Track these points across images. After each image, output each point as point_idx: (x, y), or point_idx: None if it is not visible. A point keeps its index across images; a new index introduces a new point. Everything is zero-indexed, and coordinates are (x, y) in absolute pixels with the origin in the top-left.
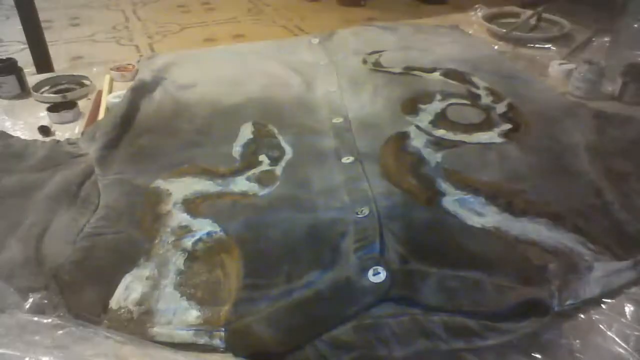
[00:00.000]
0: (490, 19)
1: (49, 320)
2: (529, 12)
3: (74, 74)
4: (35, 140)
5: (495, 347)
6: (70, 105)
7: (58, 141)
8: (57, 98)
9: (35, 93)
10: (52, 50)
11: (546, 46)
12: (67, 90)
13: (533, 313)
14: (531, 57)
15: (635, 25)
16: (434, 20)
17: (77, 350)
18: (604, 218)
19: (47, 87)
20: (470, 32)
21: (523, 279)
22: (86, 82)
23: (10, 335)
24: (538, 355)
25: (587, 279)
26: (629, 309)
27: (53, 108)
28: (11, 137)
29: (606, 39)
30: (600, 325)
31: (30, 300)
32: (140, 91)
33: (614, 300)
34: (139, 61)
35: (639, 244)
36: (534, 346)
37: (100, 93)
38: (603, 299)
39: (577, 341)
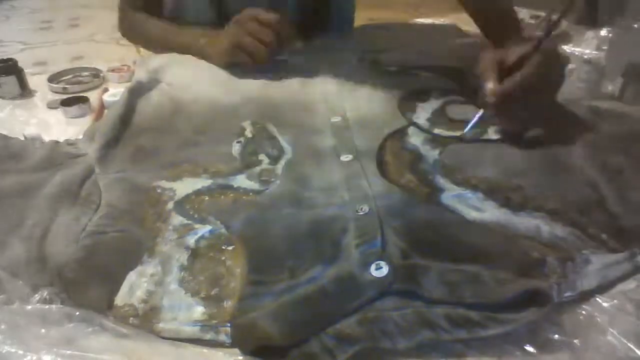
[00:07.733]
0: None
1: (55, 313)
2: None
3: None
4: (34, 141)
5: (494, 343)
6: (84, 99)
7: (57, 142)
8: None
9: (51, 84)
10: (52, 50)
11: None
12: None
13: (533, 303)
14: None
15: (635, 25)
16: (432, 19)
17: (82, 344)
18: (600, 212)
19: (65, 78)
20: (468, 29)
21: (522, 272)
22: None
23: (16, 328)
24: (536, 351)
25: (585, 272)
26: (629, 305)
27: (66, 102)
28: (10, 138)
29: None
30: (600, 321)
31: (39, 294)
32: (138, 91)
33: (614, 297)
34: (135, 62)
35: (635, 237)
36: (532, 342)
37: (104, 91)
38: (603, 295)
39: (577, 339)
